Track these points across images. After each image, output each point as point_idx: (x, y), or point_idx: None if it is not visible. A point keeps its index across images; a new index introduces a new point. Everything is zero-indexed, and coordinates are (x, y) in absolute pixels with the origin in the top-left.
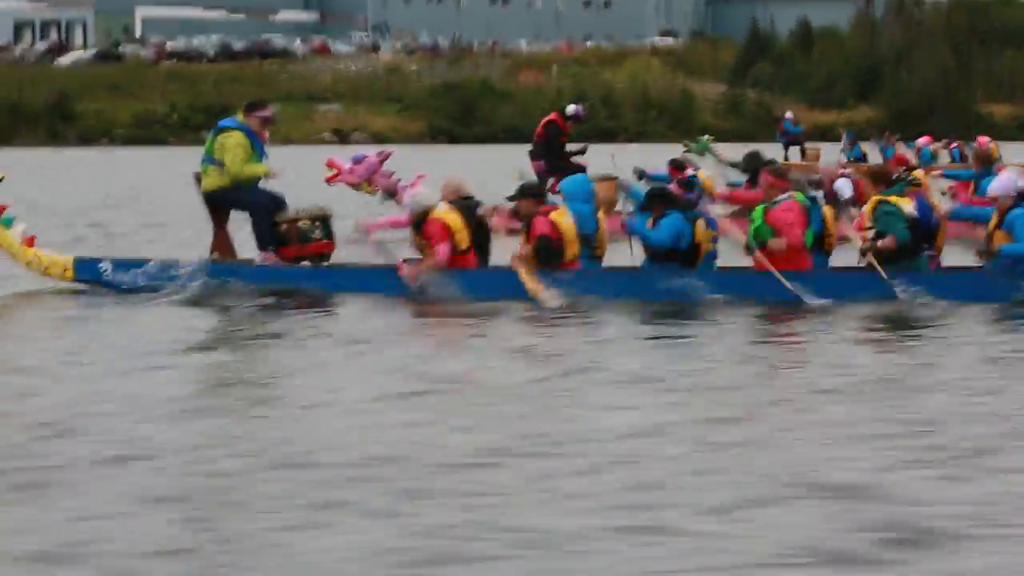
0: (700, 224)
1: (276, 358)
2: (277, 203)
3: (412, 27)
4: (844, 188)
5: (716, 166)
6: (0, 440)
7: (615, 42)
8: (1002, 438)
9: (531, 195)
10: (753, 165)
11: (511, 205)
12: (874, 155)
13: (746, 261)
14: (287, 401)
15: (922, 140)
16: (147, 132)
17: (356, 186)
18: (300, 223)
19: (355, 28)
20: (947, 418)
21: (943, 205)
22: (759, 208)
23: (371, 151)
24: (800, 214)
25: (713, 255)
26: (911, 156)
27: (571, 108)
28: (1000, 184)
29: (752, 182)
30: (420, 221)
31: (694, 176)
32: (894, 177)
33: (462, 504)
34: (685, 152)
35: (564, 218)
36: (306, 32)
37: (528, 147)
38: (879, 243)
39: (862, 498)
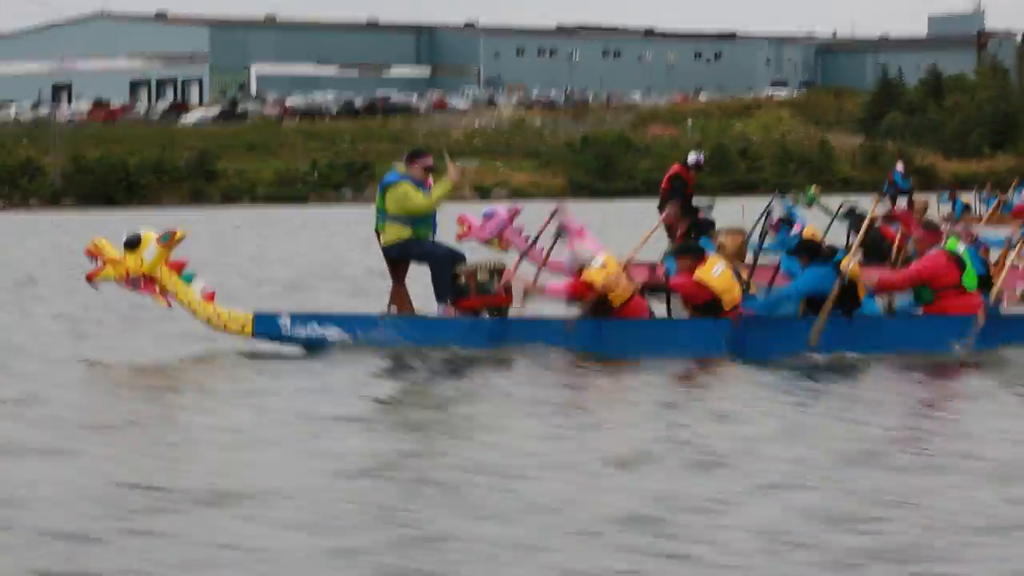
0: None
1: (460, 412)
2: (456, 256)
3: (523, 81)
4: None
5: (823, 217)
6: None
7: (727, 93)
8: None
9: (687, 254)
10: (856, 223)
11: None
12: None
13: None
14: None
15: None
16: (289, 190)
17: (487, 242)
18: (479, 275)
19: (467, 82)
20: None
21: None
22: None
23: (504, 207)
24: (948, 263)
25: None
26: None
27: (691, 157)
28: None
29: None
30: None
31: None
32: None
33: None
34: (795, 204)
35: (710, 271)
36: (419, 87)
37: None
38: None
39: None
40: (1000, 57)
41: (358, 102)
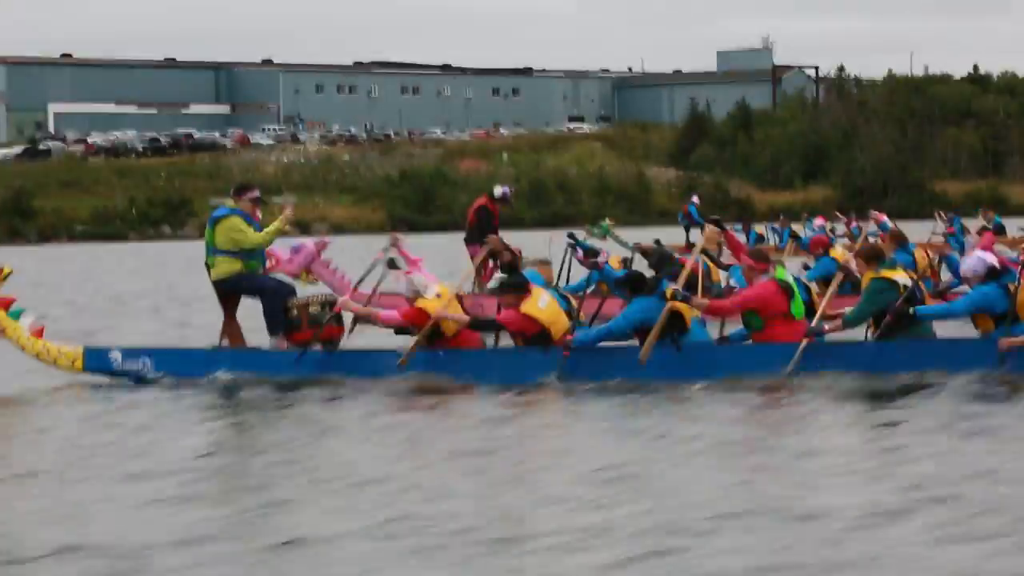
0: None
1: (288, 441)
2: (287, 289)
3: (324, 117)
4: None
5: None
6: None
7: (527, 128)
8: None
9: (510, 290)
10: (660, 263)
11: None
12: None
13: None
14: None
15: (818, 220)
16: (107, 227)
17: (295, 276)
18: (311, 308)
19: (267, 119)
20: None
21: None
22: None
23: (311, 240)
24: (777, 292)
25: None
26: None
27: (498, 190)
28: (969, 263)
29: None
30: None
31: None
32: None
33: None
34: (587, 237)
35: (535, 304)
36: (218, 124)
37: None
38: (826, 326)
39: None
40: (792, 91)
41: (163, 139)
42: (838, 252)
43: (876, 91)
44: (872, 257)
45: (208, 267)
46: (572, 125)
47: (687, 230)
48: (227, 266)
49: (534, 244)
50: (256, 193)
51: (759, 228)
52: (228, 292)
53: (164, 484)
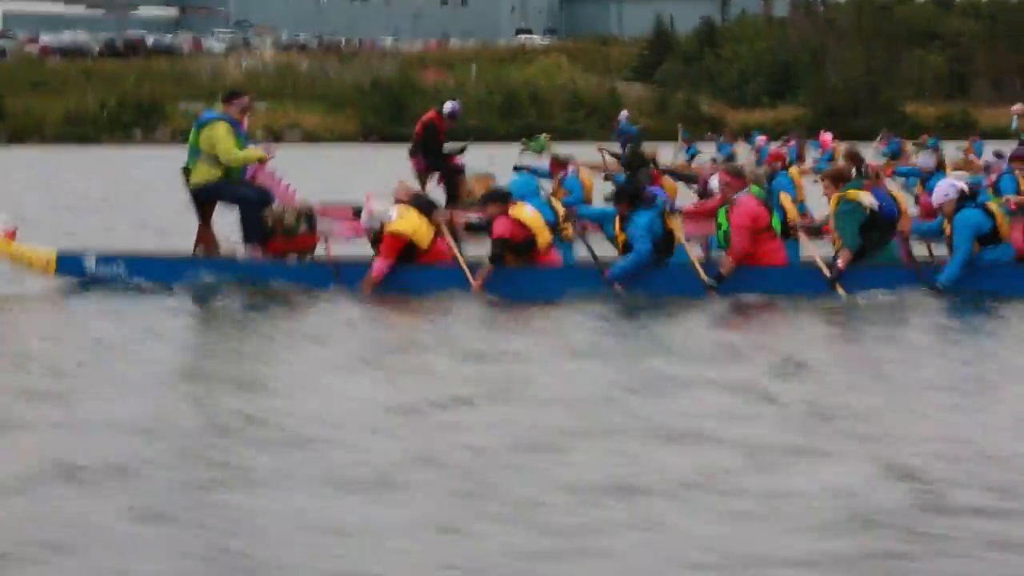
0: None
1: (256, 351)
2: (264, 198)
3: (272, 23)
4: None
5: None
6: None
7: (478, 39)
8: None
9: (496, 199)
10: (636, 163)
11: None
12: (711, 153)
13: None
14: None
15: (760, 139)
16: (78, 130)
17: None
18: (286, 219)
19: (216, 24)
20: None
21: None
22: (722, 210)
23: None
24: (760, 207)
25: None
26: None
27: (448, 106)
28: (938, 193)
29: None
30: (378, 239)
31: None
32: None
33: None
34: (523, 151)
35: (524, 211)
36: (167, 27)
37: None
38: (839, 263)
39: None
40: (740, 8)
41: (119, 42)
42: (793, 171)
43: (842, 10)
44: (838, 178)
45: (187, 171)
46: (523, 37)
47: (622, 145)
48: (207, 172)
49: (476, 159)
50: (246, 101)
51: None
52: (206, 199)
53: (135, 398)
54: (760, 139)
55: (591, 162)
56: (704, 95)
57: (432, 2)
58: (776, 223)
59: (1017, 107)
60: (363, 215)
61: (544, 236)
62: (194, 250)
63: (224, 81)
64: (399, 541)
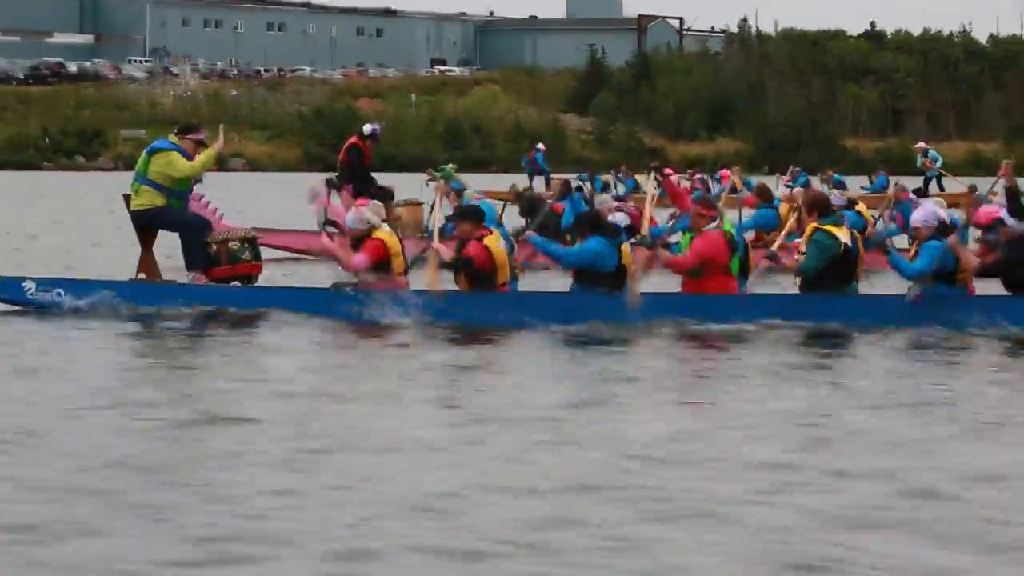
0: (626, 248)
1: (203, 377)
2: (206, 225)
3: (189, 52)
4: (621, 220)
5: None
6: None
7: (392, 69)
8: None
9: (470, 218)
10: (532, 208)
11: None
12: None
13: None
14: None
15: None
16: (20, 156)
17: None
18: (230, 244)
19: (132, 52)
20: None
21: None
22: (686, 237)
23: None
24: (726, 243)
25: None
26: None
27: (367, 127)
28: (921, 215)
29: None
30: (360, 239)
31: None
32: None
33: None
34: (429, 180)
35: (497, 243)
36: (82, 55)
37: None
38: (781, 260)
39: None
40: (658, 41)
41: (43, 68)
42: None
43: (775, 45)
44: (816, 206)
45: (129, 197)
46: (441, 68)
47: (531, 177)
48: (150, 198)
49: (408, 185)
50: (201, 135)
51: (605, 176)
52: (147, 224)
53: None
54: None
55: (492, 190)
56: (640, 128)
57: (348, 32)
58: (735, 264)
59: (920, 144)
60: (348, 215)
61: (504, 273)
62: (136, 275)
63: (159, 108)
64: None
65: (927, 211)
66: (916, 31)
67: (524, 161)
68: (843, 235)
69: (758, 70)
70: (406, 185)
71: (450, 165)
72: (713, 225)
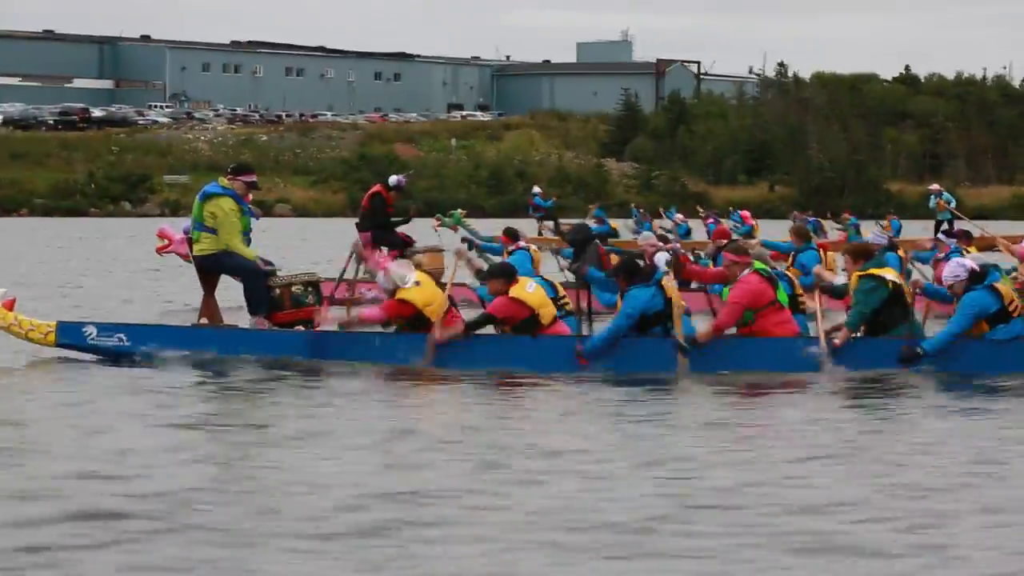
0: (666, 283)
1: (267, 422)
2: (268, 269)
3: (208, 97)
4: (662, 261)
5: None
6: None
7: (419, 114)
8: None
9: (499, 275)
10: (581, 236)
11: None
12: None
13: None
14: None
15: (678, 216)
16: (67, 202)
17: (187, 257)
18: (293, 288)
19: (152, 97)
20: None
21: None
22: (725, 290)
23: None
24: (762, 282)
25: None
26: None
27: (394, 179)
28: (948, 272)
29: (578, 254)
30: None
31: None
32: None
33: None
34: (439, 225)
35: (525, 288)
36: (102, 100)
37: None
38: (836, 341)
39: None
40: (678, 87)
41: (74, 114)
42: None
43: (812, 89)
44: (859, 255)
45: (191, 242)
46: (463, 113)
47: (540, 221)
48: (211, 243)
49: (424, 233)
50: (253, 178)
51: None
52: (209, 270)
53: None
54: (678, 216)
55: (538, 237)
56: (679, 172)
57: (366, 76)
58: (783, 296)
59: (934, 186)
60: (380, 277)
61: (548, 311)
62: (198, 320)
63: (201, 154)
64: None
65: (952, 267)
66: (949, 75)
67: (531, 210)
68: (889, 274)
69: (797, 114)
70: (446, 233)
71: (459, 211)
72: (748, 270)
